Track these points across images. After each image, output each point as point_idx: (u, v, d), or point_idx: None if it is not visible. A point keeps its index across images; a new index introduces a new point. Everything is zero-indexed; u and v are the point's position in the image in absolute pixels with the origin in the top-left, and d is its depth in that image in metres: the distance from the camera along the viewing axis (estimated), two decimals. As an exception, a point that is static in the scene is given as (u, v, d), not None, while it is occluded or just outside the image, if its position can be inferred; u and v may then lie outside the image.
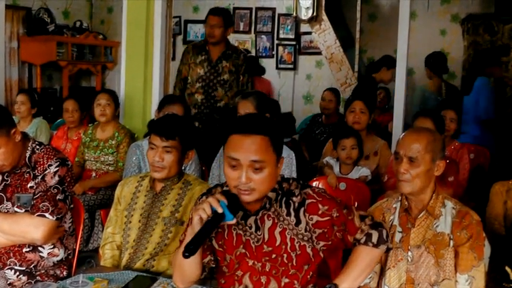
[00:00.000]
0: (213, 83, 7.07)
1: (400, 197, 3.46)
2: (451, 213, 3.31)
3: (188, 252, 2.63)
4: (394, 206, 3.47)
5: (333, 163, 5.85)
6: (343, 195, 5.20)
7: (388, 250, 3.00)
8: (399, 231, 3.39)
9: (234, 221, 2.77)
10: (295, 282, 2.98)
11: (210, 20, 7.07)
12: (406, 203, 3.40)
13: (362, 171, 5.72)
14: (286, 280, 2.97)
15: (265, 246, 2.96)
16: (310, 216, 2.89)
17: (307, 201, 2.91)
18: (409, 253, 3.33)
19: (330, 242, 2.95)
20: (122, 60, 7.65)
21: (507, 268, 3.65)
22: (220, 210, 2.71)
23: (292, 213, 2.92)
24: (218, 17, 7.06)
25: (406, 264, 3.34)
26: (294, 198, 2.93)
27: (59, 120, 8.68)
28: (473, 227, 3.25)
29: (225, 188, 2.97)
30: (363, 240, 2.91)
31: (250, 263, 3.00)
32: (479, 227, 3.29)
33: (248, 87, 7.23)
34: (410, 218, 3.38)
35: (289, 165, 4.94)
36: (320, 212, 2.89)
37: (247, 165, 2.75)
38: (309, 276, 3.00)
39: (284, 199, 2.94)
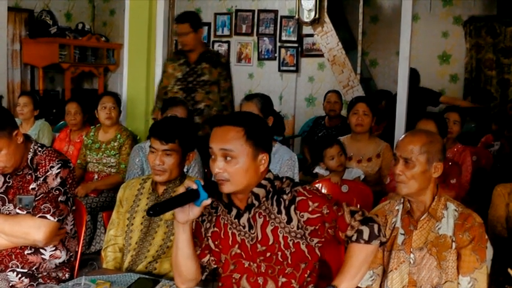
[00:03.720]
0: (192, 84, 6.76)
1: (402, 199, 3.45)
2: (453, 215, 3.31)
3: (152, 210, 2.67)
4: (396, 208, 3.47)
5: (323, 172, 5.83)
6: (345, 197, 5.20)
7: (381, 244, 2.99)
8: (401, 234, 3.38)
9: (209, 201, 2.79)
10: (293, 281, 2.97)
11: (177, 28, 6.77)
12: (408, 205, 3.40)
13: (354, 173, 5.72)
14: (284, 279, 2.96)
15: (259, 246, 2.96)
16: (301, 214, 2.89)
17: (298, 198, 2.91)
18: (412, 255, 3.33)
19: (323, 239, 2.94)
20: (125, 62, 7.67)
21: (509, 270, 3.64)
22: (194, 187, 2.76)
23: (283, 211, 2.92)
24: (185, 24, 6.71)
25: (408, 266, 3.34)
26: (285, 196, 2.93)
27: (61, 122, 8.70)
28: (475, 229, 3.25)
29: None
30: (354, 238, 2.89)
31: (246, 264, 3.01)
32: (482, 229, 3.28)
33: (230, 94, 6.90)
34: (413, 220, 3.37)
35: (291, 168, 4.93)
36: (310, 209, 2.89)
37: (219, 155, 2.83)
38: (306, 275, 2.98)
39: (275, 197, 2.95)
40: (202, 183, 2.79)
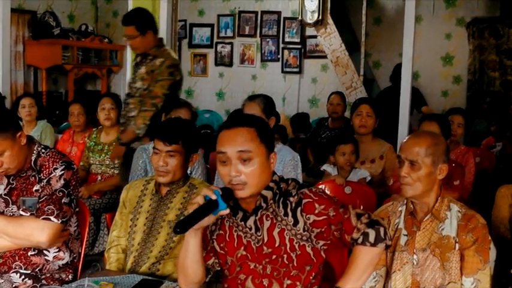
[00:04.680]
0: (131, 90, 6.14)
1: (405, 200, 3.45)
2: (456, 216, 3.30)
3: (179, 227, 2.66)
4: (399, 209, 3.46)
5: (330, 170, 5.85)
6: (348, 199, 5.19)
7: (387, 247, 2.99)
8: (404, 235, 3.38)
9: (227, 211, 2.80)
10: (298, 283, 2.97)
11: (124, 31, 6.07)
12: (411, 206, 3.39)
13: (361, 173, 5.73)
14: (289, 282, 2.96)
15: (265, 248, 2.96)
16: (307, 216, 2.89)
17: (304, 200, 2.91)
18: (415, 256, 3.32)
19: (329, 241, 2.94)
20: (127, 63, 7.69)
21: (513, 272, 3.65)
22: (213, 197, 2.75)
23: (290, 214, 2.92)
24: (130, 26, 5.99)
25: (411, 267, 3.33)
26: (291, 199, 2.93)
27: (64, 123, 8.71)
28: (478, 230, 3.24)
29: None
30: (360, 240, 2.89)
31: (252, 265, 3.01)
32: (485, 230, 3.28)
33: (151, 102, 5.87)
34: (416, 221, 3.37)
35: (294, 168, 4.93)
36: (317, 212, 2.88)
37: (235, 158, 2.80)
38: (311, 277, 2.98)
39: (281, 199, 2.95)
40: (221, 192, 2.78)
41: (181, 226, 2.67)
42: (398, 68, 8.38)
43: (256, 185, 2.84)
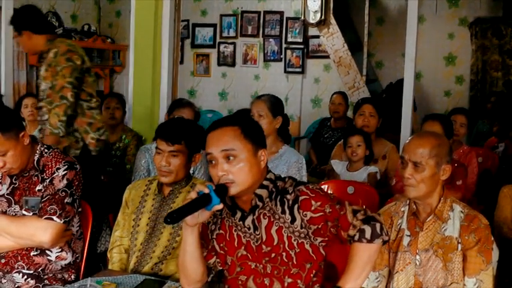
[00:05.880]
0: (40, 94, 5.55)
1: (408, 201, 3.45)
2: (459, 216, 3.30)
3: (169, 218, 2.65)
4: (402, 209, 3.46)
5: (336, 166, 5.87)
6: (351, 198, 5.18)
7: (384, 243, 2.97)
8: (407, 235, 3.38)
9: (221, 205, 2.79)
10: (299, 281, 2.97)
11: None
12: (414, 206, 3.39)
13: (371, 169, 5.75)
14: (289, 280, 2.96)
15: (264, 246, 2.97)
16: (304, 213, 2.89)
17: (301, 197, 2.91)
18: (417, 257, 3.33)
19: (326, 238, 2.94)
20: (130, 63, 7.66)
21: (515, 272, 3.64)
22: (206, 191, 2.75)
23: (287, 211, 2.92)
24: (12, 25, 5.66)
25: (414, 267, 3.33)
26: (288, 196, 2.94)
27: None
28: (481, 230, 3.24)
29: None
30: (356, 237, 2.88)
31: (253, 265, 3.01)
32: (488, 230, 3.28)
33: (62, 95, 5.29)
34: (419, 221, 3.37)
35: (299, 170, 4.92)
36: (313, 208, 2.88)
37: (220, 157, 2.81)
38: (312, 275, 2.98)
39: (279, 197, 2.95)
40: (214, 187, 2.79)
41: (172, 217, 2.66)
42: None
43: (245, 183, 2.85)
